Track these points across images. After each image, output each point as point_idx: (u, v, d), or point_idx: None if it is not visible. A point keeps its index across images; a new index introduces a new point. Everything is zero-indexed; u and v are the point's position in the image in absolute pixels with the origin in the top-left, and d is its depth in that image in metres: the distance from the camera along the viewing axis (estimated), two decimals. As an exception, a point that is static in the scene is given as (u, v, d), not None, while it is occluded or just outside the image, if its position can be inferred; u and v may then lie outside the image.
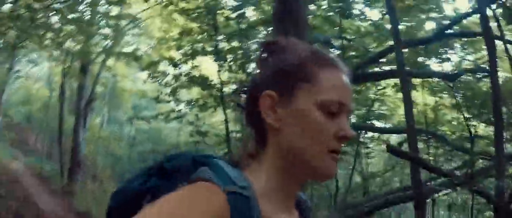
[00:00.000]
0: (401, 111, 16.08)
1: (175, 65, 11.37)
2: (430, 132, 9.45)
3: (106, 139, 22.47)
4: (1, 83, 19.07)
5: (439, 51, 9.42)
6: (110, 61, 16.69)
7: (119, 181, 19.39)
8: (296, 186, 1.08)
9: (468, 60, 10.55)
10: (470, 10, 8.43)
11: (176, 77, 11.49)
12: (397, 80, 8.55)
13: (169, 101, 12.37)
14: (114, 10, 13.39)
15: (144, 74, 13.99)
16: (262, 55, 1.13)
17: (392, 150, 6.34)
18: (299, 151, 1.02)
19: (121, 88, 23.41)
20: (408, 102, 5.43)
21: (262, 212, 0.97)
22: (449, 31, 8.57)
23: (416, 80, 10.07)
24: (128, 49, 16.00)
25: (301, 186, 1.12)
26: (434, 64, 10.24)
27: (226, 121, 10.61)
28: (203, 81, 10.92)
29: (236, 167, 1.04)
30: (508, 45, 7.09)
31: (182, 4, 11.05)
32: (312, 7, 8.82)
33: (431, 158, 9.42)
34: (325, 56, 1.09)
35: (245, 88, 1.16)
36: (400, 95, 12.57)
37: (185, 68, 11.62)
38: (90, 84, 16.84)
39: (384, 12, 8.75)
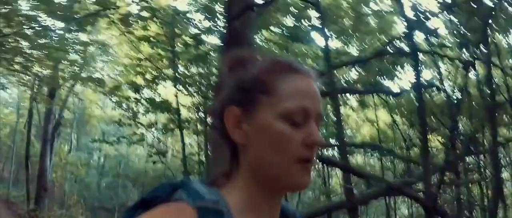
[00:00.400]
0: (364, 130, 16.82)
1: (136, 90, 11.85)
2: (368, 144, 10.02)
3: (73, 164, 22.46)
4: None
5: (392, 68, 9.98)
6: (78, 87, 17.02)
7: (86, 207, 19.84)
8: (273, 199, 1.06)
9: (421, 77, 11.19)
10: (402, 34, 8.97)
11: (138, 100, 11.97)
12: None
13: (130, 125, 12.83)
14: (83, 37, 13.73)
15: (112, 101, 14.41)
16: (225, 70, 1.12)
17: (323, 159, 6.86)
18: (267, 165, 1.00)
19: (89, 114, 23.63)
20: (338, 118, 6.01)
21: None
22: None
23: (375, 99, 10.73)
24: (96, 75, 16.35)
25: (280, 199, 1.09)
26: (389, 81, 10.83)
27: (182, 142, 11.14)
28: (163, 106, 11.41)
29: (212, 187, 1.03)
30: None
31: (142, 32, 11.43)
32: (265, 32, 9.45)
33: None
34: (284, 63, 1.07)
35: (212, 107, 1.14)
36: (362, 115, 13.35)
37: (147, 93, 12.12)
38: (57, 109, 17.18)
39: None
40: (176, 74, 11.20)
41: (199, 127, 12.10)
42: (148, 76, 12.12)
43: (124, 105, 12.57)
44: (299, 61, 1.13)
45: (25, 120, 18.99)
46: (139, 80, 12.41)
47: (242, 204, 1.00)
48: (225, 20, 7.15)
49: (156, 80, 11.70)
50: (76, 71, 14.18)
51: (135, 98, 12.06)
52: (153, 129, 12.90)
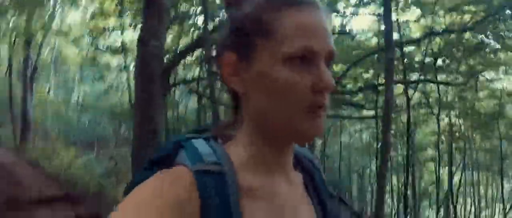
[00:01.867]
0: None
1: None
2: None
3: (53, 102, 24.24)
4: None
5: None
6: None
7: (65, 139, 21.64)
8: (281, 151, 0.96)
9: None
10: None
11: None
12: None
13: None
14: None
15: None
16: (225, 11, 0.98)
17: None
18: (271, 116, 0.89)
19: (64, 56, 24.83)
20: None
21: (243, 183, 0.89)
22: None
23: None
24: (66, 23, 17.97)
25: (289, 150, 0.98)
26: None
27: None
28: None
29: (218, 140, 0.96)
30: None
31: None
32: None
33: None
34: None
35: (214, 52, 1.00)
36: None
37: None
38: (34, 55, 18.68)
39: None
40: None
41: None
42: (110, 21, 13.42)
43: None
44: None
45: (6, 67, 20.50)
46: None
47: (247, 159, 0.93)
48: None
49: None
50: (47, 21, 15.77)
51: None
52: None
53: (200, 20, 10.28)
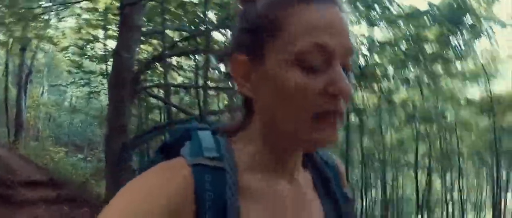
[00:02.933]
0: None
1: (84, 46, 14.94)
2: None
3: (45, 105, 25.59)
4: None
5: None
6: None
7: (57, 141, 22.99)
8: (289, 157, 0.91)
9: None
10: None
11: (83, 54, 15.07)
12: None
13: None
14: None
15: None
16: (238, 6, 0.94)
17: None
18: (280, 122, 0.83)
19: (57, 61, 26.09)
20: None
21: (244, 182, 0.85)
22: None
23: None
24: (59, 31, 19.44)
25: (298, 157, 0.94)
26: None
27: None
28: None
29: (223, 136, 0.91)
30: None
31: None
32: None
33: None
34: None
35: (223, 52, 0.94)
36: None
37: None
38: (29, 59, 20.16)
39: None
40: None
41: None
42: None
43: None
44: None
45: (2, 70, 21.80)
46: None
47: (251, 158, 0.89)
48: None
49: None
50: (40, 30, 17.17)
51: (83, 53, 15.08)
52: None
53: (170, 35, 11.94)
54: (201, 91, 9.91)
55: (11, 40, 17.70)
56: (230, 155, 0.87)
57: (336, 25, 0.81)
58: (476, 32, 17.49)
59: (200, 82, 11.33)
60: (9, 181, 8.87)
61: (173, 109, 10.63)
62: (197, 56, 11.56)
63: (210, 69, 9.91)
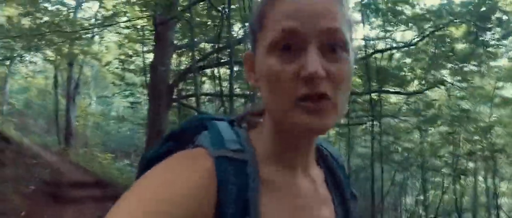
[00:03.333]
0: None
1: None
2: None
3: (93, 114, 26.98)
4: (4, 77, 23.47)
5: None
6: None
7: (105, 148, 24.43)
8: (297, 145, 0.93)
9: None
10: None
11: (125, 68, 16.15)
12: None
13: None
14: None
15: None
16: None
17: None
18: (270, 108, 0.89)
19: (104, 73, 26.54)
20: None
21: (263, 174, 0.88)
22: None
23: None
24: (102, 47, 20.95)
25: (308, 144, 0.95)
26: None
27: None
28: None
29: (243, 126, 0.97)
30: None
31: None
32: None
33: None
34: None
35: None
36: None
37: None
38: (76, 73, 21.42)
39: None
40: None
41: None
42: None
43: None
44: None
45: (52, 83, 23.08)
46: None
47: (269, 150, 0.92)
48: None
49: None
50: (85, 46, 18.47)
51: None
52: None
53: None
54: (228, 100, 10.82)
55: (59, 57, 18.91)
56: (251, 147, 0.90)
57: (308, 8, 0.81)
58: (507, 29, 17.11)
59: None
60: (59, 182, 10.01)
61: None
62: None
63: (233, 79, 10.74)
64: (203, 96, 12.36)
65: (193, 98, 11.42)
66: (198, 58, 11.17)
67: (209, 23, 11.74)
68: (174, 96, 10.85)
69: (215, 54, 11.26)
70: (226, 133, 0.90)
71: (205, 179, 0.81)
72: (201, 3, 10.80)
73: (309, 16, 0.81)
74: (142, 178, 0.80)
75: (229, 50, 9.59)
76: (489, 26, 15.86)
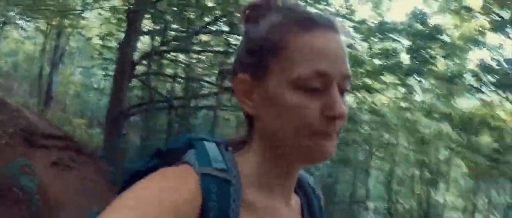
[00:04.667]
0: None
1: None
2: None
3: (73, 83, 28.70)
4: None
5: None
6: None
7: (81, 115, 25.63)
8: (288, 173, 0.97)
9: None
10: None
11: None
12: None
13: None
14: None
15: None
16: (243, 26, 0.97)
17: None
18: (281, 137, 0.89)
19: (90, 46, 27.73)
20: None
21: (245, 195, 0.90)
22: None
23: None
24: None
25: (296, 172, 0.99)
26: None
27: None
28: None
29: (229, 148, 0.97)
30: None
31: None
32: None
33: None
34: (299, 16, 0.91)
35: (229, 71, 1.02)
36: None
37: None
38: (64, 42, 23.21)
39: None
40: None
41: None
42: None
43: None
44: (318, 11, 0.93)
45: (39, 50, 24.73)
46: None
47: (253, 174, 0.94)
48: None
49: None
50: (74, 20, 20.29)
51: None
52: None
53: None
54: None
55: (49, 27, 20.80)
56: (235, 168, 0.90)
57: (335, 53, 0.87)
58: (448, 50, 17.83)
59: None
60: (33, 131, 12.08)
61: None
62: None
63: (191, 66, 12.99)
64: (162, 77, 14.65)
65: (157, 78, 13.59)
66: (157, 44, 13.41)
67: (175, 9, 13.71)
68: (136, 74, 13.09)
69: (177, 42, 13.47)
70: (212, 152, 0.91)
71: (191, 194, 0.82)
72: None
73: (336, 59, 0.87)
74: (128, 191, 0.81)
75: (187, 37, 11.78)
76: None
